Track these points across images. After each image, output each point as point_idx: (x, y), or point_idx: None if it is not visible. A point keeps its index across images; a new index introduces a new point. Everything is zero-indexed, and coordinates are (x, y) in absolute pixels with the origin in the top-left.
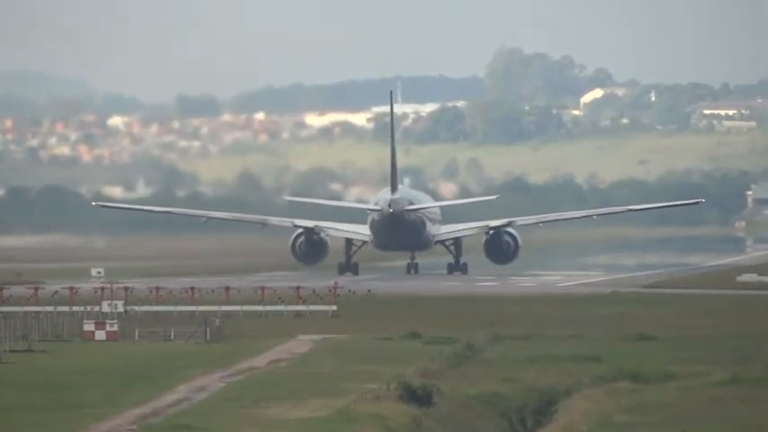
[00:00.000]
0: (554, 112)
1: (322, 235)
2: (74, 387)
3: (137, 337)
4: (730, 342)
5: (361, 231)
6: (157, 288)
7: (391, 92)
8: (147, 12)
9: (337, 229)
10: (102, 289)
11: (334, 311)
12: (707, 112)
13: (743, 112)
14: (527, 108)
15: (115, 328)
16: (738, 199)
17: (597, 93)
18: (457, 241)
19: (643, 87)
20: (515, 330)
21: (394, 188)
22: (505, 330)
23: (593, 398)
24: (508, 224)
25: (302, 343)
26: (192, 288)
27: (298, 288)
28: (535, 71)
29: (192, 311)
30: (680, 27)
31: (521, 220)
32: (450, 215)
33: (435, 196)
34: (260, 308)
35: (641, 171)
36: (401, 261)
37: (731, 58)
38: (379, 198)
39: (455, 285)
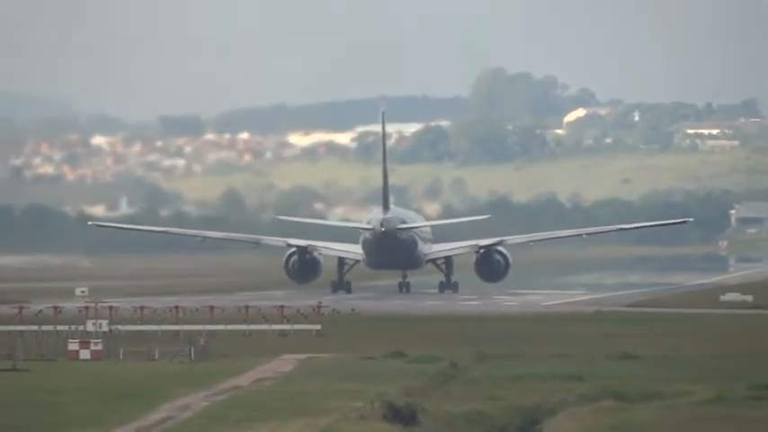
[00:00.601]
0: (537, 131)
1: (315, 254)
2: (58, 406)
3: (121, 357)
4: (714, 361)
5: (354, 250)
6: (142, 307)
7: (383, 112)
8: (130, 32)
9: (330, 248)
10: (87, 308)
11: (318, 331)
12: (690, 131)
13: (726, 131)
14: (510, 128)
15: (100, 347)
16: (721, 218)
17: (580, 112)
18: (448, 260)
19: (626, 107)
20: (499, 349)
21: (386, 208)
22: (489, 349)
23: (577, 416)
24: (498, 243)
25: (286, 362)
26: (177, 307)
27: (282, 307)
28: (518, 91)
29: (177, 331)
30: (663, 47)
31: (511, 239)
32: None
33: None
34: (244, 327)
35: (624, 190)
36: (393, 279)
37: (714, 77)
38: (372, 217)
39: (439, 304)
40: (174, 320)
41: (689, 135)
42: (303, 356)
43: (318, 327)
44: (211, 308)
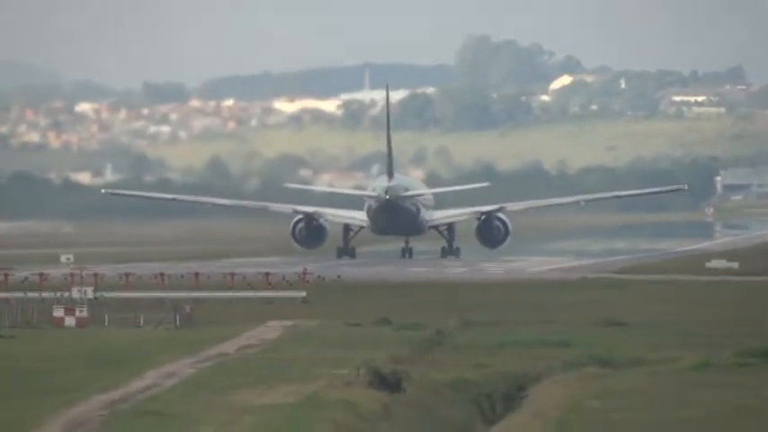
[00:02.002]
0: (523, 98)
1: (321, 220)
2: (42, 373)
3: (106, 323)
4: (700, 327)
5: (359, 217)
6: (127, 274)
7: (387, 85)
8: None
9: (336, 215)
10: (72, 275)
11: (303, 297)
12: (676, 98)
13: (712, 98)
14: (496, 95)
15: (85, 314)
16: (707, 185)
17: (566, 79)
18: (450, 226)
19: (612, 74)
20: (485, 316)
21: (390, 175)
22: (475, 316)
23: (563, 383)
24: (499, 210)
25: (272, 329)
26: (162, 274)
27: (267, 274)
28: (504, 58)
29: (162, 297)
30: (649, 14)
31: (511, 206)
32: None
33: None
34: (230, 294)
35: (610, 157)
36: (396, 245)
37: (700, 45)
38: (376, 185)
39: (424, 271)
40: (159, 287)
41: (675, 102)
42: (289, 323)
43: (304, 294)
44: (197, 275)
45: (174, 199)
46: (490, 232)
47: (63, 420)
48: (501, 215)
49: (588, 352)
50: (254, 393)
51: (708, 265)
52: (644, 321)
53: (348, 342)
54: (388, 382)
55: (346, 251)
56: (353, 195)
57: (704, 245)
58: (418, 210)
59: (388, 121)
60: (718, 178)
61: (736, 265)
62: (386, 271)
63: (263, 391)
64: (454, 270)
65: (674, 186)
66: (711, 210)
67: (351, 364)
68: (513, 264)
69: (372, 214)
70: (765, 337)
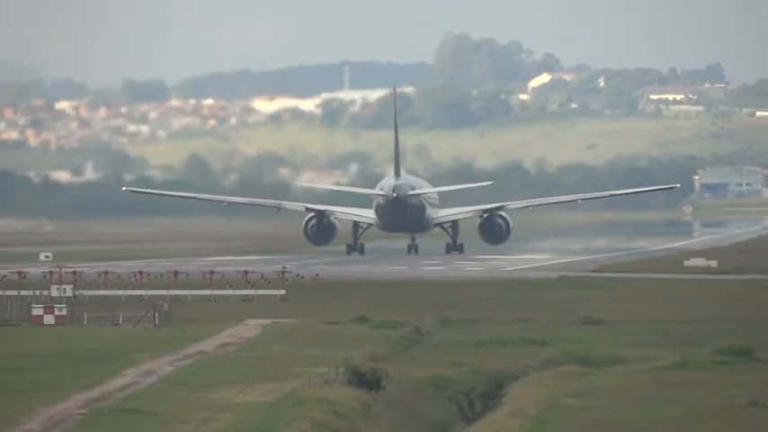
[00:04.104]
0: (502, 97)
1: (331, 218)
2: (22, 371)
3: (85, 322)
4: (678, 326)
5: (367, 215)
6: (106, 272)
7: (395, 88)
8: None
9: (345, 213)
10: (51, 273)
11: (282, 296)
12: (654, 96)
13: (690, 96)
14: (475, 93)
15: (64, 312)
16: (686, 184)
17: (545, 78)
18: (454, 224)
19: (591, 72)
20: (463, 314)
21: (397, 174)
22: (453, 314)
23: (541, 381)
24: (500, 208)
25: (250, 327)
26: (141, 272)
27: (245, 272)
28: (483, 57)
29: (141, 296)
30: (628, 12)
31: (512, 204)
32: None
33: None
34: (208, 292)
35: (589, 156)
36: (402, 242)
37: (679, 43)
38: (384, 184)
39: (403, 269)
40: (138, 285)
41: (653, 100)
42: (267, 322)
43: (283, 292)
44: (175, 273)
45: (194, 198)
46: (492, 229)
47: (42, 418)
48: (503, 213)
49: (566, 350)
50: (233, 391)
51: (686, 263)
52: (622, 320)
53: (326, 340)
54: (366, 380)
55: (356, 247)
56: (363, 194)
57: (683, 243)
58: (424, 207)
59: (396, 120)
60: (697, 177)
61: (714, 263)
62: (364, 269)
63: (241, 389)
64: (432, 268)
65: (666, 185)
66: (690, 208)
67: (329, 362)
68: (492, 262)
69: (380, 212)
70: (743, 336)
